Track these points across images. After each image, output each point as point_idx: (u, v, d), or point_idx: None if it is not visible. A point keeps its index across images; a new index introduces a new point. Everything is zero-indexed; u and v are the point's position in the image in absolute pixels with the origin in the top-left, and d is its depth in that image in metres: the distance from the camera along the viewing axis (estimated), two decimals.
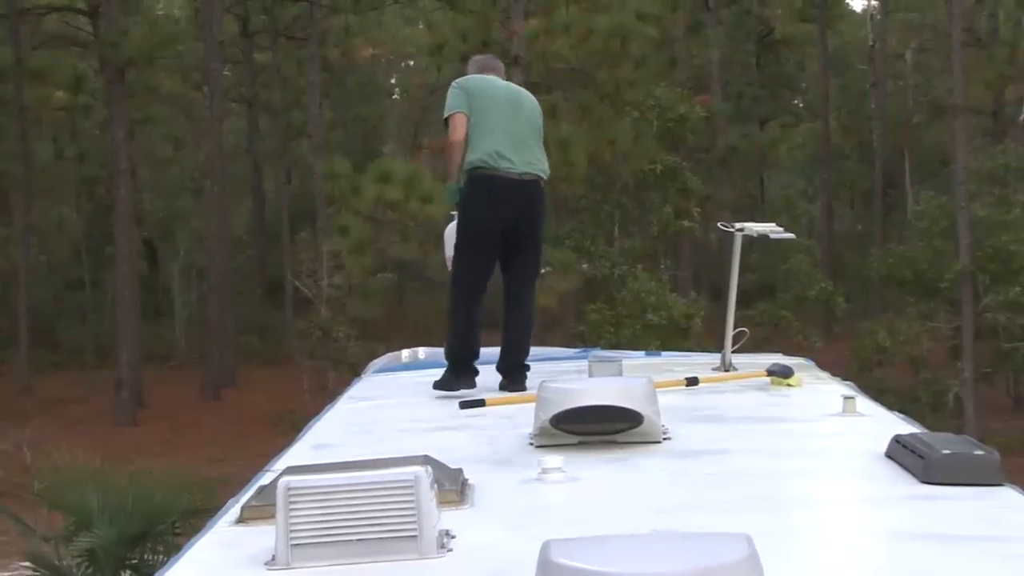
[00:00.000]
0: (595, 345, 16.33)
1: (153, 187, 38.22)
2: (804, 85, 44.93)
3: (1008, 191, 25.70)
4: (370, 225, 19.66)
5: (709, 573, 2.17)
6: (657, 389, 4.53)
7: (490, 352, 6.63)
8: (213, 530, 3.47)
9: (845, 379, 6.44)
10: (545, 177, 6.63)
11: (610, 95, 21.81)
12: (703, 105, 25.69)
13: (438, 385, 6.18)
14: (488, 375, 6.45)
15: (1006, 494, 3.49)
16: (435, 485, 3.07)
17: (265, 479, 3.82)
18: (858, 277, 33.58)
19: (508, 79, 7.17)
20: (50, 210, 37.07)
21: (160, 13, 39.06)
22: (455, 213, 6.71)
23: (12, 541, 11.04)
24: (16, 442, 20.13)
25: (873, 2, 41.30)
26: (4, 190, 35.41)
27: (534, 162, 6.56)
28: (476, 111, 6.51)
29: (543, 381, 4.56)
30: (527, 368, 6.49)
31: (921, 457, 3.67)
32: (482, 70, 6.83)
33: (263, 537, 3.10)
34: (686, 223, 23.42)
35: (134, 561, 8.89)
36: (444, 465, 3.65)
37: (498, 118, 6.49)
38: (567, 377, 5.88)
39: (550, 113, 20.32)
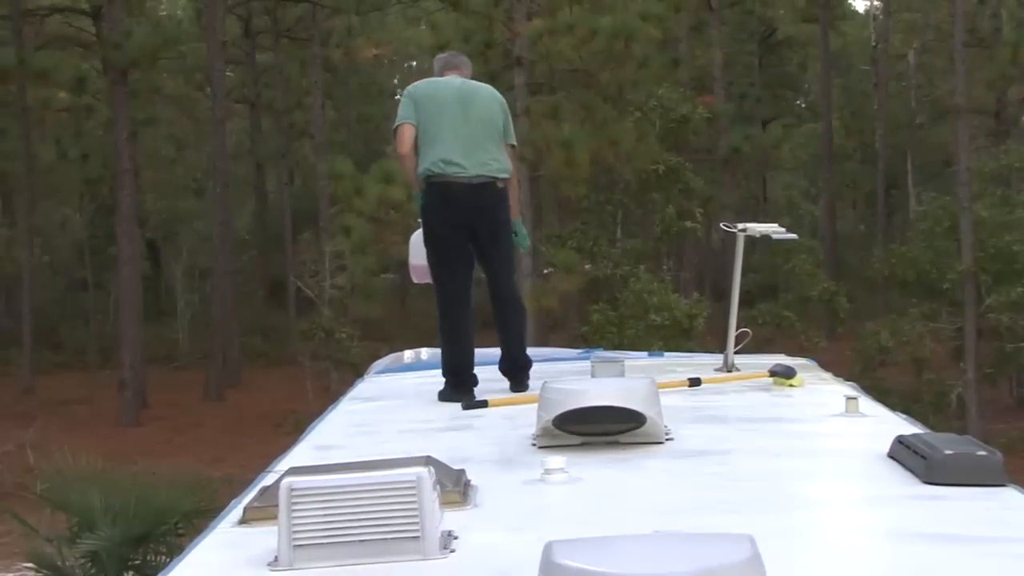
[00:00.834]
0: (598, 346, 16.33)
1: (156, 188, 38.23)
2: (807, 86, 44.96)
3: (1011, 191, 25.69)
4: (373, 225, 19.64)
5: (711, 574, 2.17)
6: (660, 390, 4.53)
7: (489, 353, 6.63)
8: (216, 531, 3.48)
9: (848, 380, 6.44)
10: (503, 176, 6.46)
11: (613, 96, 21.80)
12: (706, 106, 25.67)
13: (441, 397, 6.17)
14: (492, 375, 6.44)
15: (1009, 495, 3.48)
16: (438, 486, 3.07)
17: (268, 480, 3.82)
18: (861, 278, 33.56)
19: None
20: (53, 211, 37.11)
21: (163, 14, 39.10)
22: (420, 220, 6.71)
23: (15, 542, 11.05)
24: (19, 442, 20.14)
25: (875, 3, 41.31)
26: (7, 191, 35.53)
27: (489, 163, 6.41)
28: (423, 119, 6.42)
29: (546, 382, 4.56)
30: (529, 364, 6.47)
31: (924, 458, 3.68)
32: (443, 70, 6.72)
33: (266, 538, 3.10)
34: (688, 224, 23.40)
35: (137, 562, 8.89)
36: (447, 466, 3.65)
37: (447, 123, 6.38)
38: (570, 378, 5.89)
39: (553, 114, 20.42)
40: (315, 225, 29.78)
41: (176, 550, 7.95)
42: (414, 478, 2.97)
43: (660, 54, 22.33)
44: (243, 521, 3.48)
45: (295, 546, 2.95)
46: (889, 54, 38.65)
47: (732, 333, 6.67)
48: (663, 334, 19.70)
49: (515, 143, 6.71)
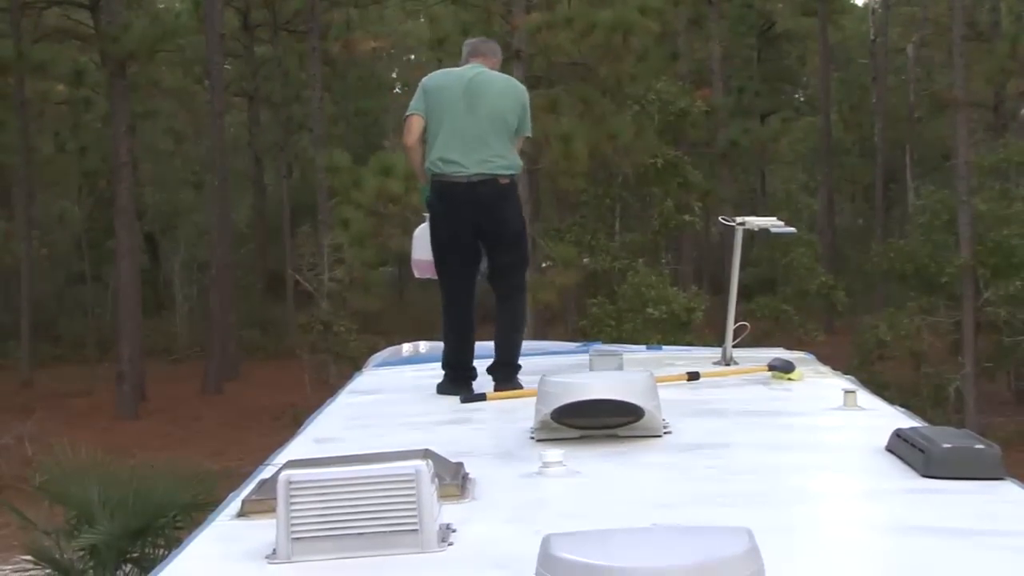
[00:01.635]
0: (596, 339, 16.34)
1: (154, 181, 38.22)
2: (805, 79, 44.92)
3: (1009, 185, 25.68)
4: (371, 218, 19.64)
5: (710, 567, 2.18)
6: (658, 383, 4.53)
7: (490, 346, 6.64)
8: (214, 524, 3.48)
9: (846, 373, 6.44)
10: (507, 173, 6.32)
11: (611, 89, 21.80)
12: (704, 99, 25.67)
13: (439, 389, 6.15)
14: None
15: (1007, 488, 3.49)
16: (436, 479, 3.07)
17: (266, 473, 3.82)
18: (859, 271, 33.55)
19: (508, 73, 7.05)
20: (51, 204, 37.12)
21: (161, 7, 39.01)
22: (428, 215, 6.63)
23: (13, 534, 11.03)
24: (17, 435, 20.15)
25: None
26: (6, 184, 35.47)
27: (491, 160, 6.27)
28: (430, 111, 6.36)
29: (544, 375, 4.57)
30: (516, 368, 6.30)
31: (922, 451, 3.68)
32: (469, 57, 6.59)
33: (264, 531, 3.11)
34: (687, 217, 23.41)
35: (135, 555, 8.89)
36: (445, 459, 3.66)
37: (449, 118, 6.29)
38: (568, 371, 5.89)
39: (551, 107, 20.40)
40: (313, 218, 29.76)
41: (174, 543, 7.95)
42: (412, 471, 2.98)
43: (659, 48, 22.32)
44: (241, 514, 3.48)
45: (293, 539, 2.95)
46: (888, 48, 38.62)
47: (730, 326, 6.68)
48: (661, 328, 19.70)
49: (530, 134, 6.63)
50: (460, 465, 3.74)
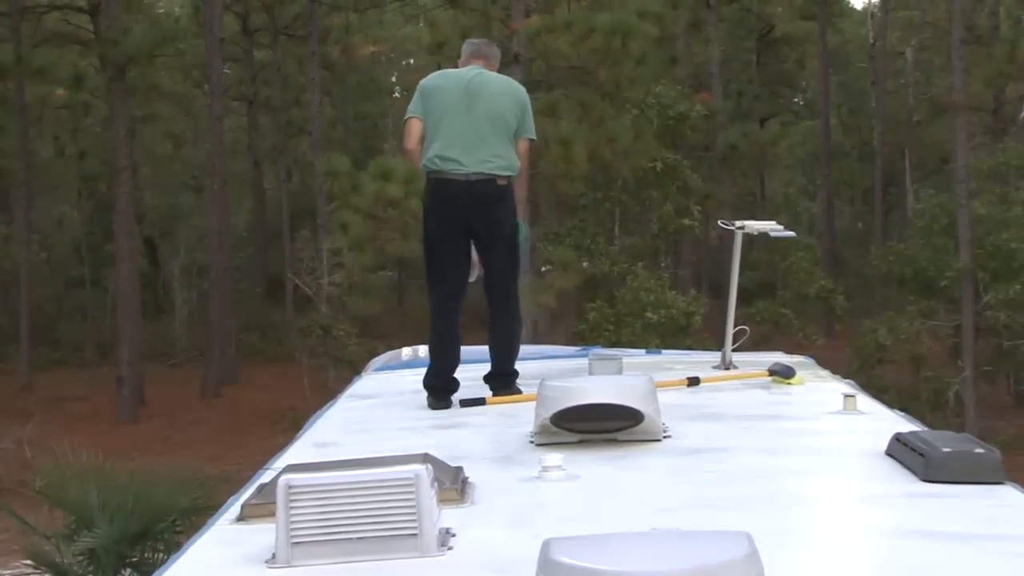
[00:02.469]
0: (595, 343, 16.33)
1: (154, 185, 38.21)
2: (804, 83, 44.94)
3: (1008, 189, 25.67)
4: (370, 222, 19.63)
5: (709, 571, 2.18)
6: (657, 388, 4.53)
7: (477, 351, 6.62)
8: (213, 528, 3.48)
9: (846, 377, 6.44)
10: (505, 174, 6.25)
11: (610, 93, 21.79)
12: (703, 103, 25.66)
13: (430, 406, 6.10)
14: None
15: (1007, 492, 3.49)
16: (435, 483, 3.07)
17: (265, 477, 3.82)
18: (858, 275, 33.55)
19: (509, 76, 6.99)
20: (51, 208, 37.12)
21: (161, 11, 39.05)
22: None
23: (13, 539, 11.03)
24: (17, 439, 20.15)
25: (873, 0, 41.30)
26: (5, 188, 35.46)
27: (490, 159, 6.21)
28: (429, 112, 6.33)
29: (543, 379, 4.57)
30: (513, 376, 6.25)
31: (922, 455, 3.68)
32: (468, 58, 6.56)
33: (263, 535, 3.11)
34: (686, 221, 23.40)
35: (135, 559, 8.89)
36: (444, 463, 3.66)
37: (449, 117, 6.26)
38: (567, 375, 5.89)
39: (550, 111, 20.39)
40: (313, 222, 29.74)
41: (174, 547, 7.96)
42: (412, 475, 2.98)
43: (658, 51, 22.30)
44: (241, 518, 3.48)
45: (293, 543, 2.95)
46: (887, 51, 38.63)
47: (730, 330, 6.68)
48: (660, 332, 19.69)
49: (533, 137, 6.50)
50: (459, 469, 3.74)
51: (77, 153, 33.39)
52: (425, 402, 5.96)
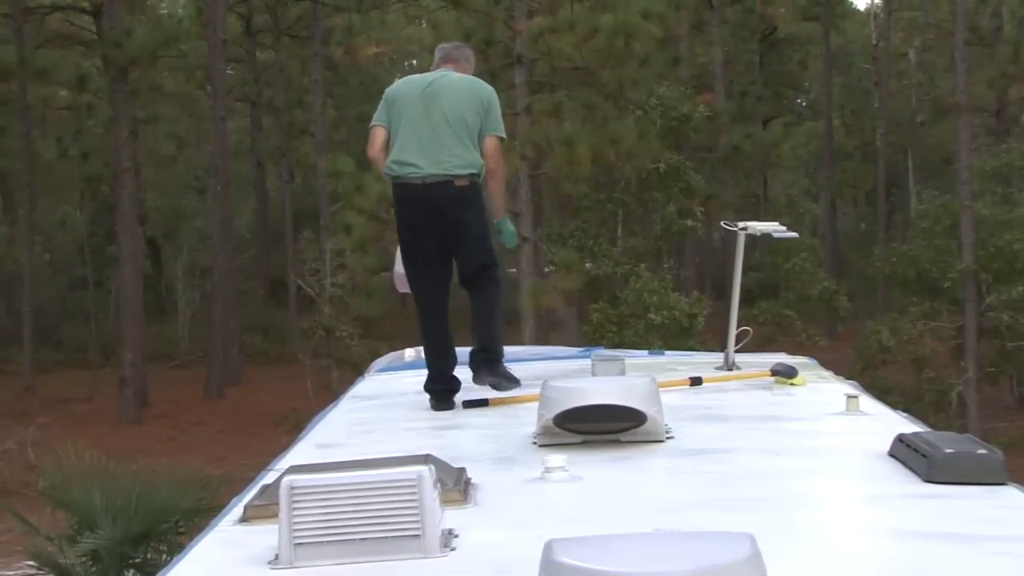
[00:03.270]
0: (598, 344, 16.33)
1: (157, 186, 38.23)
2: (807, 84, 44.94)
3: (1011, 190, 25.70)
4: (373, 223, 19.62)
5: (712, 572, 2.18)
6: (660, 388, 4.53)
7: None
8: (216, 529, 3.48)
9: (848, 378, 6.44)
10: (463, 173, 6.18)
11: (613, 94, 21.78)
12: (706, 104, 25.64)
13: (432, 407, 6.10)
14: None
15: (1009, 493, 3.49)
16: (438, 484, 3.07)
17: (268, 478, 3.82)
18: (861, 276, 33.56)
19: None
20: (54, 209, 37.13)
21: (163, 12, 39.10)
22: None
23: (16, 540, 11.04)
24: (20, 440, 20.15)
25: (876, 1, 41.28)
26: (8, 189, 35.54)
27: (446, 160, 6.17)
28: (393, 119, 6.37)
29: (546, 380, 4.57)
30: (494, 356, 6.17)
31: (924, 456, 3.68)
32: (440, 62, 6.59)
33: (266, 536, 3.11)
34: (689, 223, 23.38)
35: (137, 560, 8.90)
36: (447, 464, 3.66)
37: (407, 122, 6.29)
38: (570, 376, 5.89)
39: (554, 112, 20.40)
40: (315, 223, 29.77)
41: (177, 548, 7.96)
42: (415, 476, 2.98)
43: (661, 52, 22.30)
44: (244, 519, 3.48)
45: (296, 544, 2.95)
46: (890, 52, 38.65)
47: (732, 332, 6.67)
48: (663, 333, 19.69)
49: (501, 135, 6.39)
50: (462, 470, 3.74)
51: (80, 154, 33.39)
52: (427, 403, 5.97)
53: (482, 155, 6.28)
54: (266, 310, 37.44)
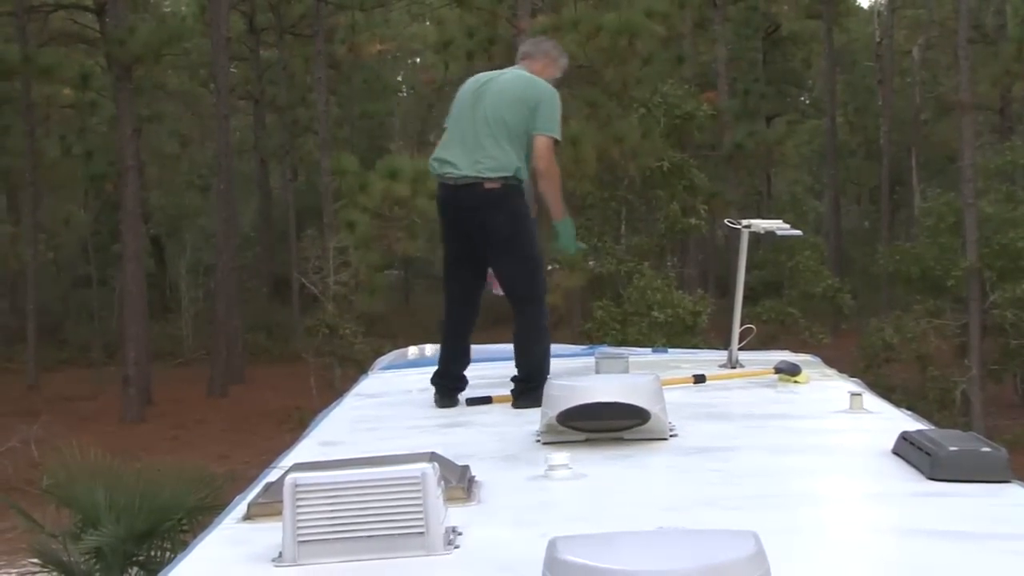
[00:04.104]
0: (601, 342, 16.33)
1: (160, 184, 38.24)
2: (811, 82, 44.91)
3: (1015, 188, 25.66)
4: (377, 221, 19.63)
5: (715, 570, 2.18)
6: (664, 386, 4.53)
7: (487, 349, 6.58)
8: (220, 527, 3.48)
9: (852, 376, 6.43)
10: (496, 175, 5.98)
11: (617, 92, 21.77)
12: (710, 102, 25.65)
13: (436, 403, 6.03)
14: (497, 371, 6.37)
15: (1013, 491, 3.49)
16: (442, 482, 3.07)
17: (272, 476, 3.82)
18: (865, 274, 33.53)
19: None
20: (58, 207, 37.13)
21: (167, 10, 39.12)
22: None
23: (20, 537, 11.05)
24: (24, 438, 20.15)
25: None
26: (12, 187, 35.58)
27: (480, 161, 6.00)
28: (449, 117, 6.33)
29: (550, 378, 4.57)
30: (530, 384, 5.70)
31: (928, 454, 3.68)
32: (517, 60, 6.52)
33: (270, 534, 3.11)
34: (693, 220, 23.37)
35: (141, 558, 8.90)
36: (451, 462, 3.66)
37: (455, 120, 6.20)
38: (574, 374, 5.89)
39: None
40: (319, 221, 29.77)
41: (180, 546, 7.96)
42: (418, 474, 2.98)
43: (664, 51, 22.29)
44: (248, 517, 3.48)
45: (300, 542, 2.95)
46: (893, 50, 38.61)
47: (736, 329, 6.67)
48: (667, 331, 19.68)
49: (551, 134, 6.15)
50: (466, 468, 3.74)
51: (84, 152, 33.40)
52: (431, 400, 5.96)
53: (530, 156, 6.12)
54: (270, 308, 37.47)
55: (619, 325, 20.41)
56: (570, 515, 3.46)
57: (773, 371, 6.05)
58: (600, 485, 3.81)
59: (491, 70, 6.59)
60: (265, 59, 38.83)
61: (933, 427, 4.44)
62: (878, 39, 38.45)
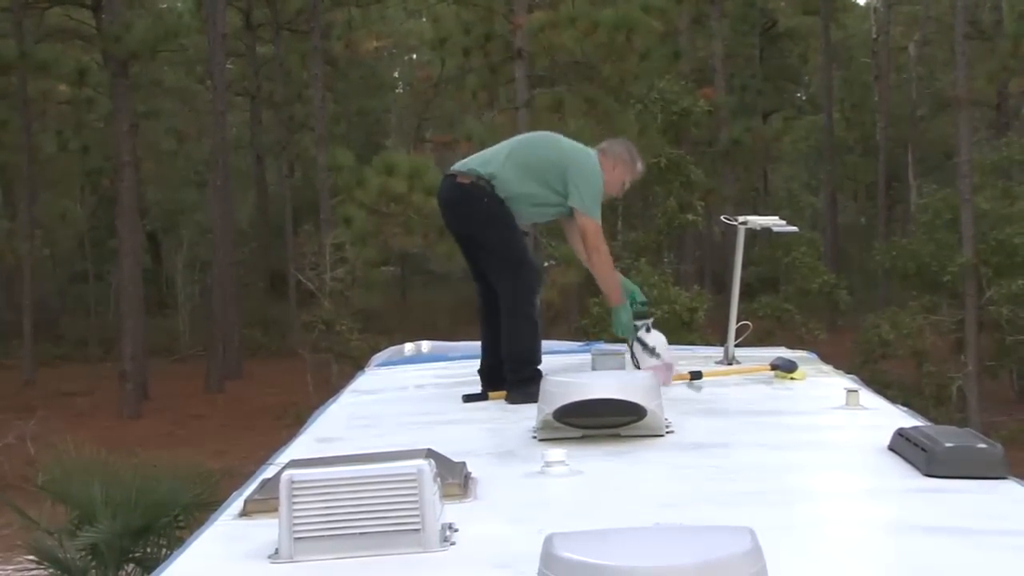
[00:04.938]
0: (597, 339, 16.31)
1: (157, 180, 38.23)
2: (807, 78, 44.94)
3: (1012, 184, 25.68)
4: (373, 217, 19.63)
5: (712, 566, 2.18)
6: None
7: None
8: (216, 523, 3.48)
9: (848, 372, 6.43)
10: (469, 172, 6.00)
11: (615, 88, 21.77)
12: (707, 98, 25.64)
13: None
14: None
15: (1009, 487, 3.49)
16: (438, 478, 3.07)
17: (268, 472, 3.82)
18: (861, 270, 33.58)
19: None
20: (54, 203, 37.10)
21: (163, 6, 39.05)
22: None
23: (16, 534, 11.03)
24: (20, 434, 20.15)
25: None
26: (8, 182, 35.53)
27: (470, 161, 6.12)
28: None
29: (546, 375, 4.57)
30: (513, 376, 5.77)
31: (924, 450, 3.68)
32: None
33: (266, 530, 3.11)
34: (690, 217, 23.37)
35: (137, 554, 8.90)
36: (447, 458, 3.65)
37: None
38: (570, 371, 5.88)
39: (555, 107, 20.39)
40: (315, 217, 29.76)
41: (177, 542, 7.96)
42: (415, 471, 2.98)
43: (661, 46, 22.29)
44: (244, 513, 3.48)
45: (296, 538, 2.95)
46: (890, 46, 38.62)
47: (733, 326, 6.66)
48: (663, 327, 19.61)
49: (590, 215, 6.01)
50: (462, 465, 3.74)
51: (80, 148, 33.40)
52: (427, 397, 5.99)
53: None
54: (266, 304, 37.45)
55: None
56: (567, 511, 3.46)
57: (769, 367, 6.05)
58: (597, 481, 3.81)
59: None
60: (261, 55, 38.80)
61: (929, 423, 4.44)
62: (875, 35, 38.43)
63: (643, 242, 24.04)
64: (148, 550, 8.90)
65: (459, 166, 6.14)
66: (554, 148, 6.13)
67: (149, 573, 6.31)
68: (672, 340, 5.91)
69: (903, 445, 3.88)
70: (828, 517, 3.47)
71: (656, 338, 5.97)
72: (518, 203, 6.01)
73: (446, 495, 3.26)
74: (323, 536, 2.94)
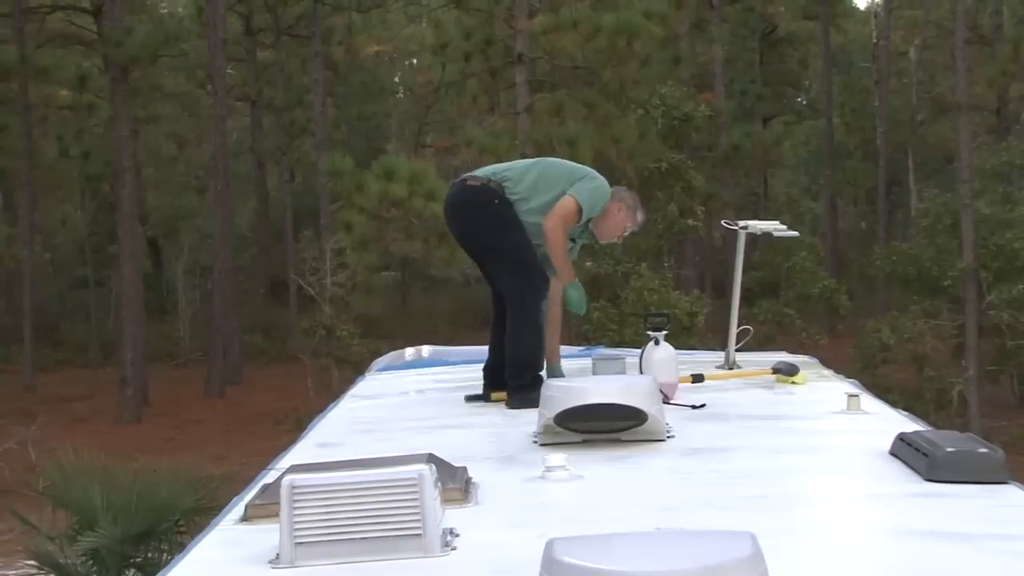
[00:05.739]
0: (598, 343, 16.31)
1: (157, 185, 38.24)
2: (807, 83, 44.90)
3: (1012, 188, 25.66)
4: (374, 222, 19.63)
5: (713, 571, 2.18)
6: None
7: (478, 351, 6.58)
8: (217, 528, 3.48)
9: (849, 377, 6.43)
10: (479, 175, 6.10)
11: (615, 93, 21.78)
12: (707, 103, 25.65)
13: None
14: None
15: (1010, 492, 3.49)
16: (439, 483, 3.07)
17: (269, 477, 3.82)
18: (862, 275, 33.56)
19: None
20: (54, 208, 37.14)
21: (164, 12, 39.08)
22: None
23: (16, 539, 11.03)
24: (20, 440, 20.14)
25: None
26: (9, 188, 35.53)
27: (483, 169, 6.24)
28: None
29: (547, 379, 4.57)
30: (515, 382, 5.79)
31: (925, 455, 3.68)
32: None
33: (267, 535, 3.11)
34: (690, 222, 23.38)
35: (138, 559, 8.90)
36: (448, 463, 3.66)
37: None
38: (571, 375, 5.89)
39: (555, 111, 20.40)
40: (316, 222, 29.77)
41: (177, 548, 7.97)
42: (415, 476, 2.98)
43: (662, 52, 22.32)
44: (245, 519, 3.48)
45: (296, 544, 2.95)
46: (890, 51, 38.61)
47: (733, 330, 6.67)
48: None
49: (577, 198, 5.97)
50: (463, 469, 3.74)
51: (81, 154, 33.38)
52: (427, 402, 5.99)
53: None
54: (267, 309, 37.44)
55: (616, 326, 20.41)
56: (567, 516, 3.46)
57: (770, 372, 6.05)
58: (597, 486, 3.81)
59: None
60: (262, 60, 38.80)
61: (930, 428, 4.44)
62: (875, 40, 38.44)
63: (644, 247, 24.04)
64: (149, 555, 8.90)
65: (471, 173, 6.22)
66: (575, 167, 6.24)
67: None
68: (673, 345, 5.90)
69: (904, 450, 3.88)
70: (829, 522, 3.47)
71: (665, 350, 5.89)
72: (526, 207, 6.02)
73: (447, 500, 3.26)
74: (324, 541, 2.94)
